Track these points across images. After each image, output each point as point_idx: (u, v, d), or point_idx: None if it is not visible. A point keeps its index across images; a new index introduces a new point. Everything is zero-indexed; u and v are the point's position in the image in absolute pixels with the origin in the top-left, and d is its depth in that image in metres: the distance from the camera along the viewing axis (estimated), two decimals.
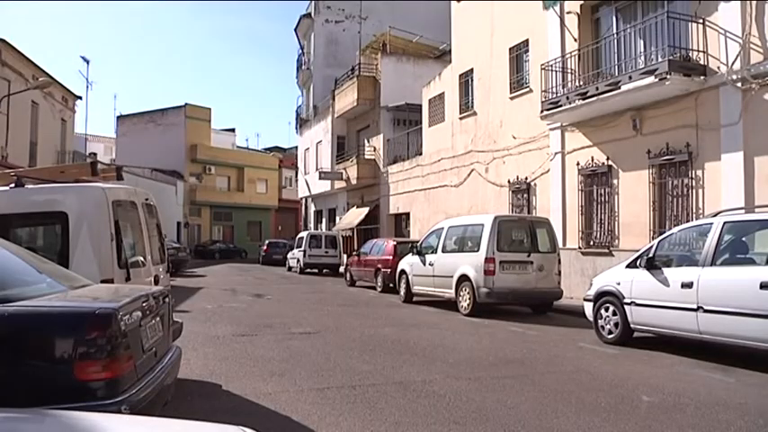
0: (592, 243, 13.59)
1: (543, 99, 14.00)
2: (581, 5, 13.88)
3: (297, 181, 42.68)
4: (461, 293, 11.72)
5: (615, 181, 12.94)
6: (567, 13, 14.24)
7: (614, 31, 13.18)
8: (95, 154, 34.16)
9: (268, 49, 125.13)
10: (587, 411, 4.84)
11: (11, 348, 2.82)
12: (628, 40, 12.70)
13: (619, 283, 8.07)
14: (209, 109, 47.61)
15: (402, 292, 14.22)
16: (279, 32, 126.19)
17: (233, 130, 56.90)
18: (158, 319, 3.84)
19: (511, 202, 16.63)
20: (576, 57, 13.56)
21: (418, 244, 14.29)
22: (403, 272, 14.25)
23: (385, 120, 26.09)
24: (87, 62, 36.22)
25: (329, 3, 34.47)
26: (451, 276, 12.07)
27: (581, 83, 13.29)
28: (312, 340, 8.28)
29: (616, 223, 12.88)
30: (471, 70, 19.07)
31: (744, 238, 7.17)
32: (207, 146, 46.23)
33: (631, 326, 7.88)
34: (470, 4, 19.23)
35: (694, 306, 6.77)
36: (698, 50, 10.95)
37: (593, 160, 13.50)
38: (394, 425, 4.46)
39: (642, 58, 12.18)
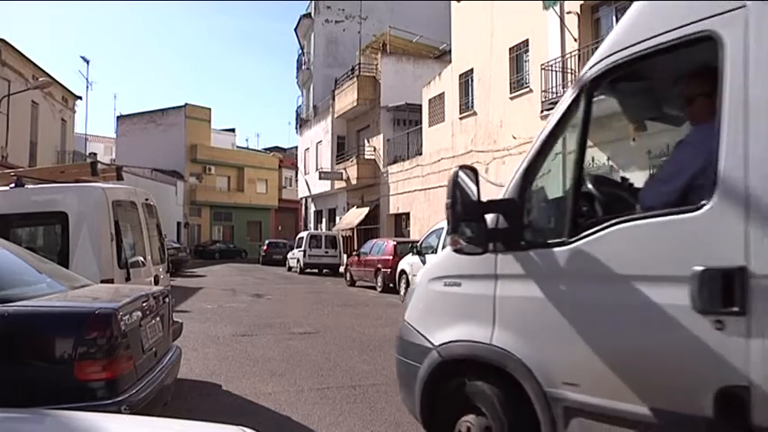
0: None
1: (543, 99, 14.00)
2: (581, 5, 13.87)
3: (297, 181, 42.67)
4: None
5: None
6: (567, 13, 14.23)
7: None
8: (95, 154, 34.27)
9: (268, 49, 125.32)
10: None
11: (11, 348, 2.82)
12: None
13: None
14: (209, 109, 47.60)
15: (402, 292, 14.21)
16: (279, 32, 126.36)
17: (233, 130, 56.83)
18: (158, 319, 3.84)
19: None
20: (576, 57, 13.55)
21: (418, 244, 14.28)
22: (403, 272, 14.25)
23: (385, 120, 26.07)
24: (87, 62, 36.19)
25: (329, 3, 34.44)
26: None
27: None
28: (312, 340, 8.28)
29: None
30: (471, 70, 19.05)
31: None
32: (207, 146, 46.16)
33: None
34: (470, 4, 19.22)
35: None
36: None
37: (593, 160, 13.48)
38: (394, 425, 4.46)
39: None
